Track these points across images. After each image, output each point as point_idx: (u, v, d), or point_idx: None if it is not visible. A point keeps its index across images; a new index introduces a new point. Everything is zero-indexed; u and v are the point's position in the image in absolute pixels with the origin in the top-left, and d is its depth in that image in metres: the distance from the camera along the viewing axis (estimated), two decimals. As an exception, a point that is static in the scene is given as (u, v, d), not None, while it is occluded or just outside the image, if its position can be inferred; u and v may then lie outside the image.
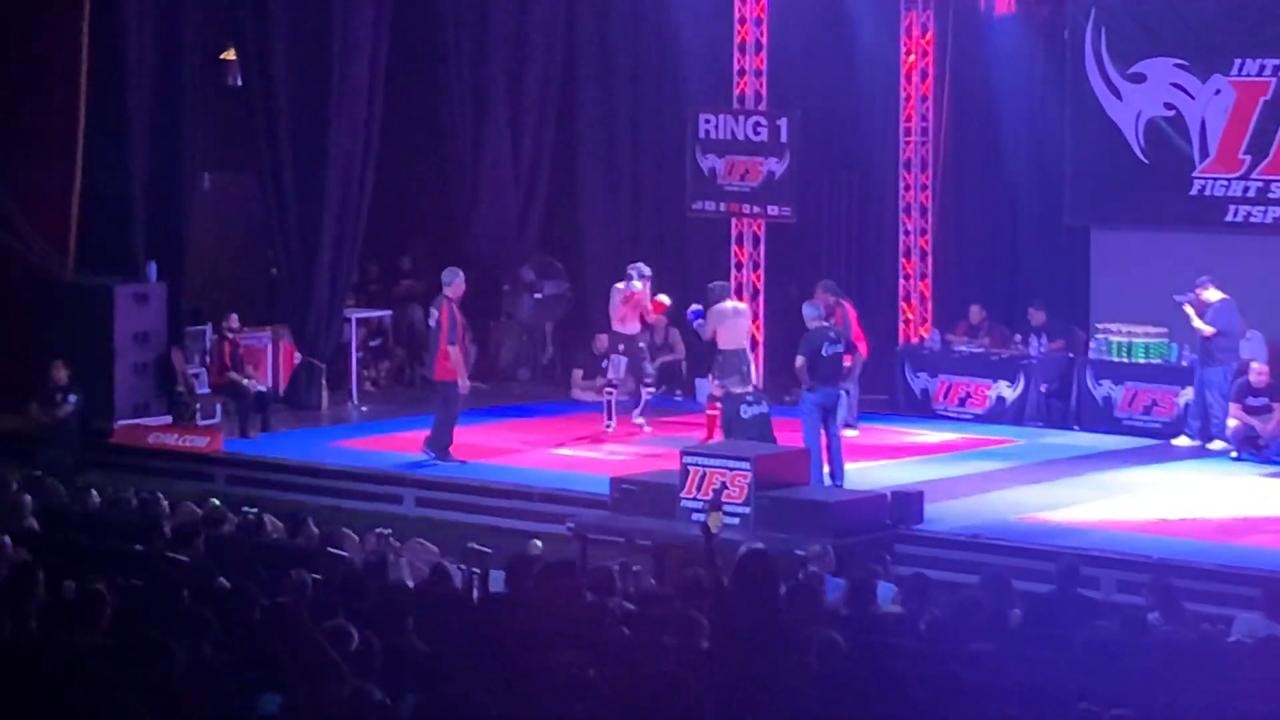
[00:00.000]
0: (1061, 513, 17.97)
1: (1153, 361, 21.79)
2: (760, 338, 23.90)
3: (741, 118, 23.50)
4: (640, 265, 22.20)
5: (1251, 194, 21.79)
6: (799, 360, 18.95)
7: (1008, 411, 22.50)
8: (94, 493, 16.49)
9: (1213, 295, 20.74)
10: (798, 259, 24.15)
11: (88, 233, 21.92)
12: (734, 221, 23.99)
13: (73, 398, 20.63)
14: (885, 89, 24.04)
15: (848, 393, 20.45)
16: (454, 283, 20.08)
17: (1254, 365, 20.45)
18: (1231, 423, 20.34)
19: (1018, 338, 23.05)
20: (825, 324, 19.21)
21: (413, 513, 18.90)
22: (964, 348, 23.12)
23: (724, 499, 16.30)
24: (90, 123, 21.65)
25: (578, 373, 24.51)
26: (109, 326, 21.49)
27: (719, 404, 20.35)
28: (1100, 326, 22.32)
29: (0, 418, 21.20)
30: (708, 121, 23.70)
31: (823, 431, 18.65)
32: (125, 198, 21.93)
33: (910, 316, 24.13)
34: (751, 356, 21.69)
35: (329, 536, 14.81)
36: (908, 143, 24.00)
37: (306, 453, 20.81)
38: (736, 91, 23.85)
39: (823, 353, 18.78)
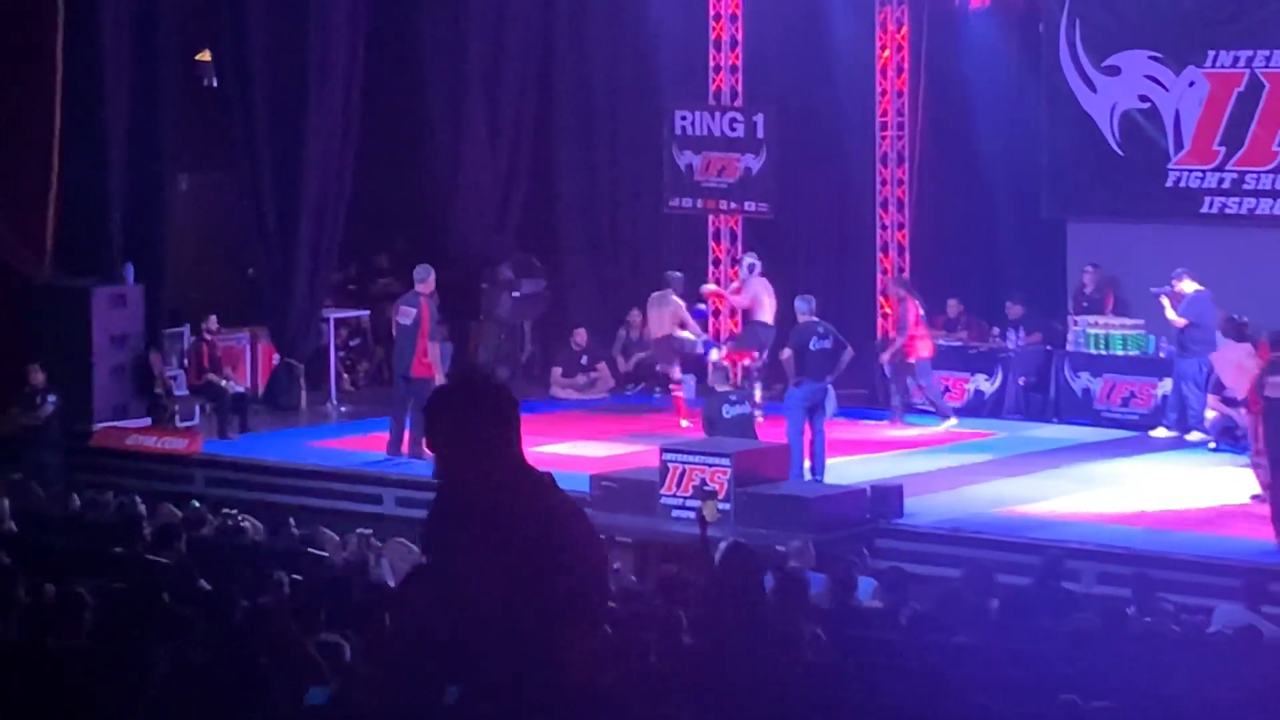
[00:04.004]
0: (1041, 505, 18.01)
1: (1130, 354, 21.85)
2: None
3: (718, 114, 23.52)
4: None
5: (1226, 185, 21.84)
6: (785, 352, 19.00)
7: (986, 405, 22.53)
8: (74, 496, 16.48)
9: (1188, 287, 20.79)
10: (775, 255, 24.15)
11: (65, 235, 21.87)
12: (711, 218, 24.01)
13: (52, 399, 20.59)
14: (861, 84, 24.04)
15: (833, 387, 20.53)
16: (428, 279, 20.16)
17: (1231, 356, 20.51)
18: (1209, 414, 20.39)
19: (995, 331, 23.10)
20: (814, 319, 19.23)
21: (393, 512, 18.89)
22: (942, 341, 23.14)
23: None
24: (66, 124, 21.62)
25: (557, 370, 24.52)
26: (87, 329, 21.46)
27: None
28: (1077, 319, 22.37)
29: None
30: (684, 118, 23.71)
31: (807, 426, 18.68)
32: (102, 199, 21.90)
33: (888, 311, 24.14)
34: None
35: (309, 537, 14.82)
36: (884, 137, 24.02)
37: (286, 453, 20.79)
38: (712, 88, 23.87)
39: (810, 347, 18.80)
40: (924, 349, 21.79)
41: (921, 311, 21.93)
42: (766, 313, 22.14)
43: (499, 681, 5.24)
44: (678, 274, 22.56)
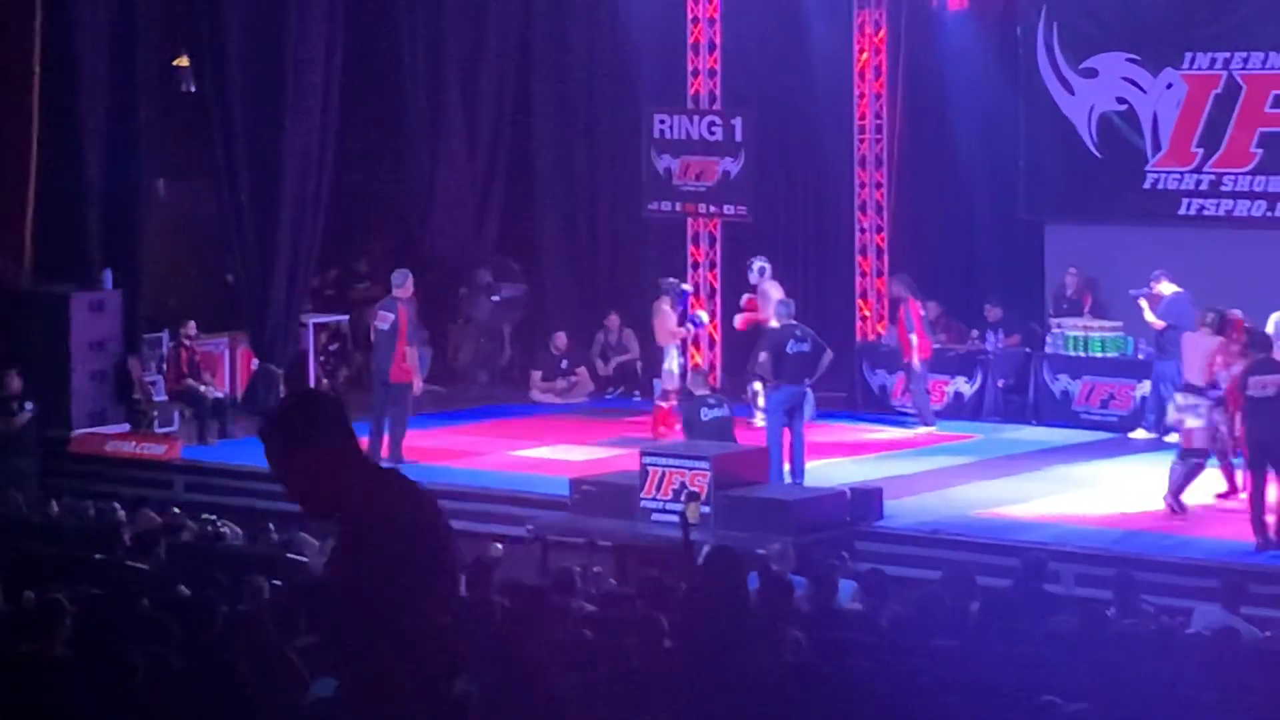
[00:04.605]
0: (1020, 507, 18.03)
1: (1109, 355, 21.88)
2: (718, 337, 23.93)
3: (696, 117, 23.52)
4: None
5: (1204, 187, 21.88)
6: (761, 356, 18.99)
7: (966, 407, 22.55)
8: (53, 502, 16.45)
9: (1167, 289, 20.83)
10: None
11: (43, 241, 21.82)
12: (690, 221, 24.01)
13: (29, 406, 20.54)
14: (839, 87, 24.06)
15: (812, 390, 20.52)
16: (405, 284, 20.17)
17: (1209, 358, 20.49)
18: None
19: (974, 333, 23.12)
20: (792, 322, 19.22)
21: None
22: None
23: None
24: (44, 130, 21.57)
25: (536, 374, 24.51)
26: (65, 335, 21.40)
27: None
28: (1058, 322, 22.39)
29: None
30: (662, 122, 23.71)
31: (786, 429, 18.68)
32: (80, 205, 21.84)
33: (867, 314, 24.16)
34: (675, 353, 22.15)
35: (289, 542, 14.80)
36: (862, 140, 24.04)
37: (265, 459, 20.69)
38: (691, 91, 23.87)
39: (788, 350, 18.80)
40: (922, 349, 21.70)
41: (923, 312, 21.86)
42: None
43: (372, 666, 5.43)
44: (671, 280, 22.51)
